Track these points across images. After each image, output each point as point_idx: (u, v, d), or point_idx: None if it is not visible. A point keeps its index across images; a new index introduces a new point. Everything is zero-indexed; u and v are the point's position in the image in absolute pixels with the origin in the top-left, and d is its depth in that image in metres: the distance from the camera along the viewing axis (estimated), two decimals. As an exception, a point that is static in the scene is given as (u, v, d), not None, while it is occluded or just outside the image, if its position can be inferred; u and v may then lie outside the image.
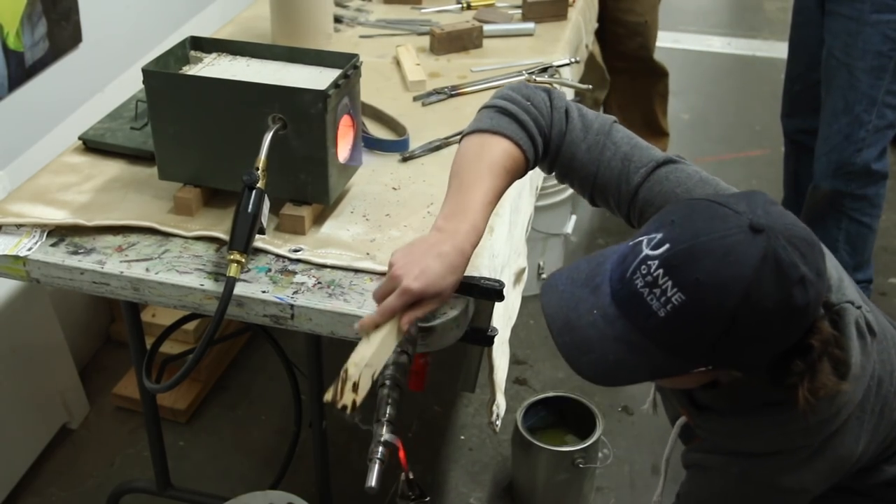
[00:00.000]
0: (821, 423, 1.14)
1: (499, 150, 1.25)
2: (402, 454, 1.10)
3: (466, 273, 1.37)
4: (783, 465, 1.17)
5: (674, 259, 1.01)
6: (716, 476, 1.24)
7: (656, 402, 1.52)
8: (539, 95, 1.30)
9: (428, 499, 1.16)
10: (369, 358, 1.14)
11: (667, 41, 3.32)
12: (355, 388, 1.11)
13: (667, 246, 1.02)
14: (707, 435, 1.26)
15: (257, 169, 1.35)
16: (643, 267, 1.03)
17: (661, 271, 1.01)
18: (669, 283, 1.00)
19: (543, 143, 1.28)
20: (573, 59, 2.14)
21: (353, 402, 1.10)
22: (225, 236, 1.43)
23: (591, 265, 1.12)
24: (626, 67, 3.22)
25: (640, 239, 1.06)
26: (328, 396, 1.11)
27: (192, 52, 1.59)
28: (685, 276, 1.00)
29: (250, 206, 1.33)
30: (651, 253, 1.03)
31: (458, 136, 1.48)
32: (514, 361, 2.60)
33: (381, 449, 1.11)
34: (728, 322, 0.99)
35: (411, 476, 1.13)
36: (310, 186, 1.47)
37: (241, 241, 1.33)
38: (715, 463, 1.24)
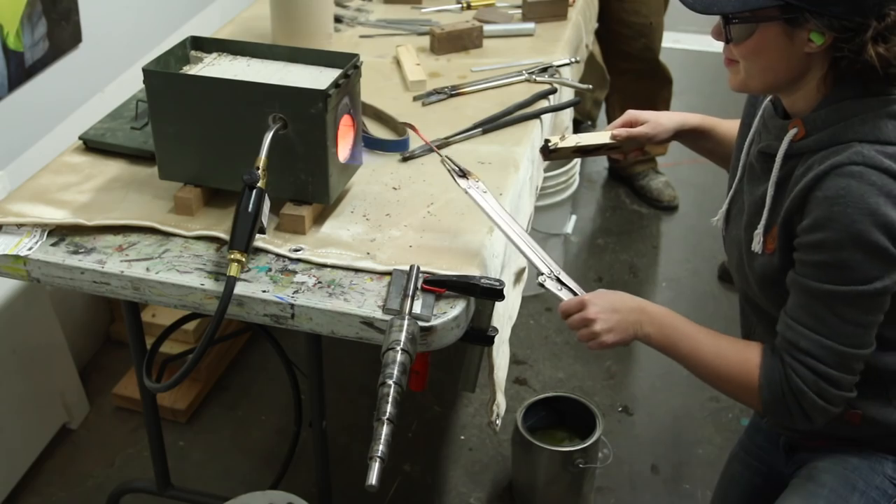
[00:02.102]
0: None
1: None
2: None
3: (466, 273, 1.38)
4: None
5: None
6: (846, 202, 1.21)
7: (729, 216, 1.50)
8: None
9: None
10: (583, 134, 1.61)
11: (667, 41, 3.31)
12: (563, 138, 1.60)
13: None
14: (818, 134, 1.28)
15: (258, 168, 1.36)
16: None
17: None
18: None
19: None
20: (573, 59, 2.14)
21: (556, 145, 1.60)
22: (225, 236, 1.43)
23: None
24: (630, 68, 3.20)
25: None
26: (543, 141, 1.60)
27: (193, 52, 1.59)
28: None
29: (251, 206, 1.33)
30: None
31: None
32: (514, 361, 2.60)
33: (381, 447, 1.11)
34: None
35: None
36: (310, 186, 1.47)
37: (242, 240, 1.33)
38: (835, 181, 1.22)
